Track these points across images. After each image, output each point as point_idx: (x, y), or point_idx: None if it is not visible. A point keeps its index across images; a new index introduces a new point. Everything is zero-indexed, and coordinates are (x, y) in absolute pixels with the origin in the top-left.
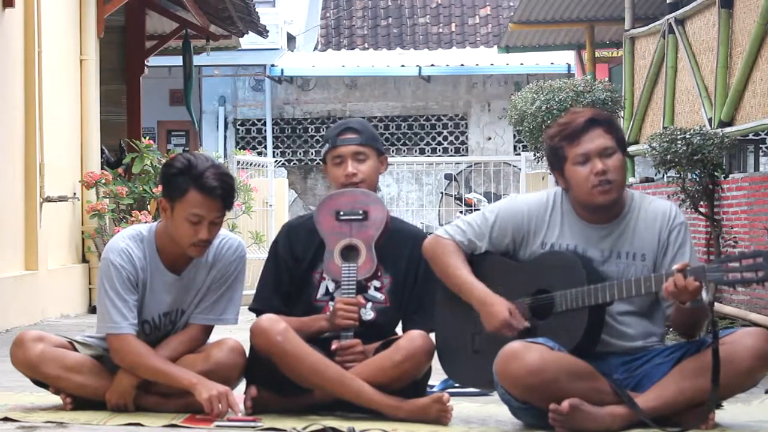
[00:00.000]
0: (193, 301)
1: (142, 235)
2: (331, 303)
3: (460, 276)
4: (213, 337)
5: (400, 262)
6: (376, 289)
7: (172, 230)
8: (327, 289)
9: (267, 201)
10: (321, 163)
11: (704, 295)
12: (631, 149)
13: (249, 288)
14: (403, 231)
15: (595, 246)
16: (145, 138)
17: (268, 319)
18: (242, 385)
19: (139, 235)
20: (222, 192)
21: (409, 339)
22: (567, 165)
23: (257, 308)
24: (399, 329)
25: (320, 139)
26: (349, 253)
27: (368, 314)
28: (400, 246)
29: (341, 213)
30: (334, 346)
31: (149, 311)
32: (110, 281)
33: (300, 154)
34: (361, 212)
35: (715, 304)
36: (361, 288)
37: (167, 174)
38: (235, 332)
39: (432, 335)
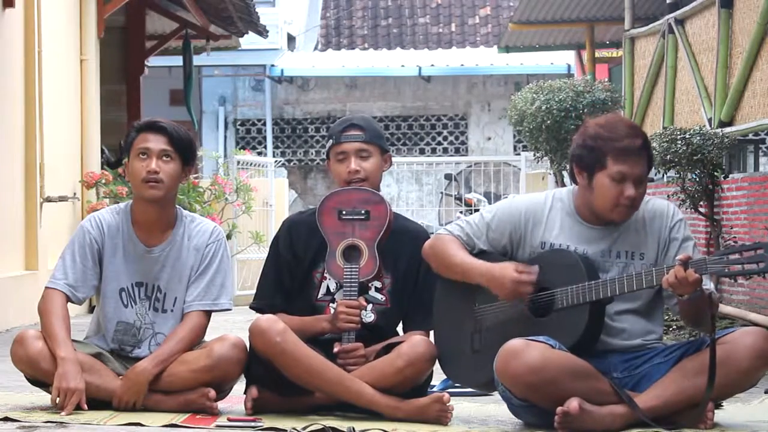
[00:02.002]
0: (170, 282)
1: (120, 208)
2: (332, 304)
3: (460, 259)
4: (213, 336)
5: (401, 261)
6: (377, 289)
7: (131, 182)
8: (328, 288)
9: (267, 201)
10: (324, 159)
11: (709, 285)
12: None
13: (249, 288)
14: (404, 229)
15: (594, 246)
16: None
17: (267, 319)
18: (242, 385)
19: (117, 208)
20: (166, 126)
21: (412, 345)
22: (601, 173)
23: (259, 306)
24: (399, 329)
25: (320, 140)
26: (351, 253)
27: (369, 316)
28: (401, 245)
29: (343, 212)
30: (336, 349)
31: (124, 278)
32: (72, 242)
33: (300, 154)
34: (363, 212)
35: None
36: (363, 288)
37: (125, 138)
38: (236, 332)
39: (432, 336)
